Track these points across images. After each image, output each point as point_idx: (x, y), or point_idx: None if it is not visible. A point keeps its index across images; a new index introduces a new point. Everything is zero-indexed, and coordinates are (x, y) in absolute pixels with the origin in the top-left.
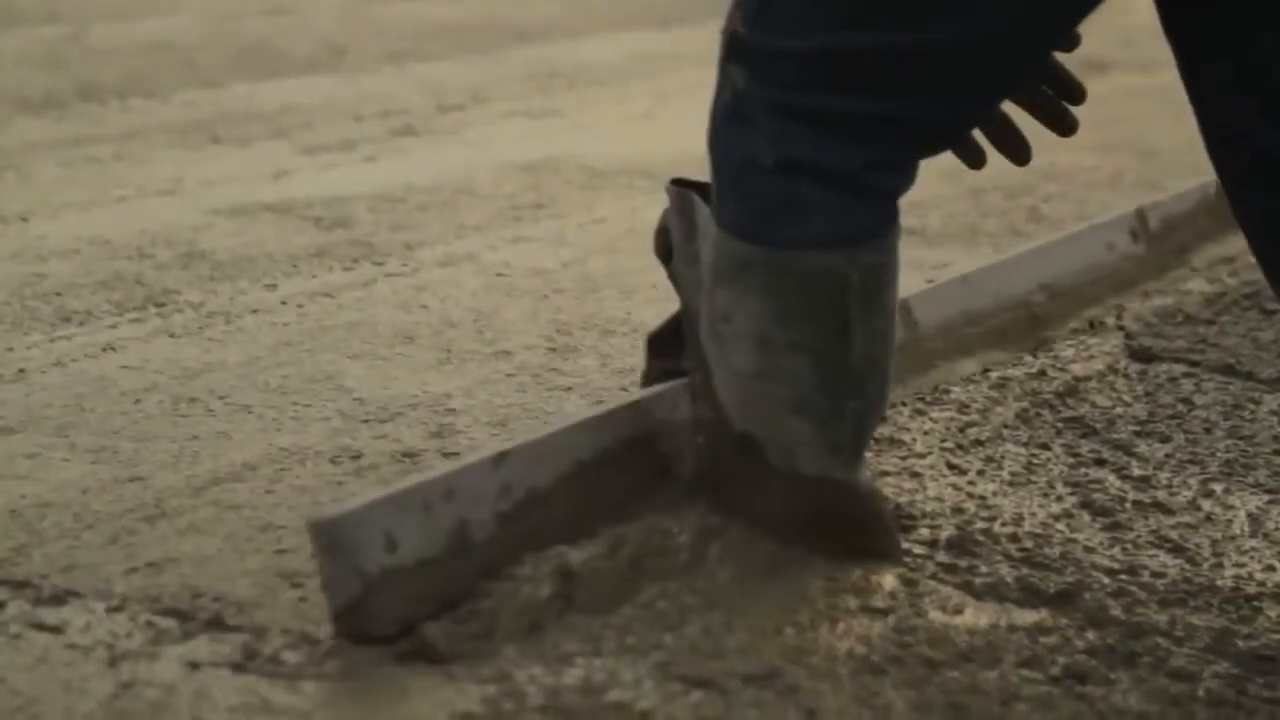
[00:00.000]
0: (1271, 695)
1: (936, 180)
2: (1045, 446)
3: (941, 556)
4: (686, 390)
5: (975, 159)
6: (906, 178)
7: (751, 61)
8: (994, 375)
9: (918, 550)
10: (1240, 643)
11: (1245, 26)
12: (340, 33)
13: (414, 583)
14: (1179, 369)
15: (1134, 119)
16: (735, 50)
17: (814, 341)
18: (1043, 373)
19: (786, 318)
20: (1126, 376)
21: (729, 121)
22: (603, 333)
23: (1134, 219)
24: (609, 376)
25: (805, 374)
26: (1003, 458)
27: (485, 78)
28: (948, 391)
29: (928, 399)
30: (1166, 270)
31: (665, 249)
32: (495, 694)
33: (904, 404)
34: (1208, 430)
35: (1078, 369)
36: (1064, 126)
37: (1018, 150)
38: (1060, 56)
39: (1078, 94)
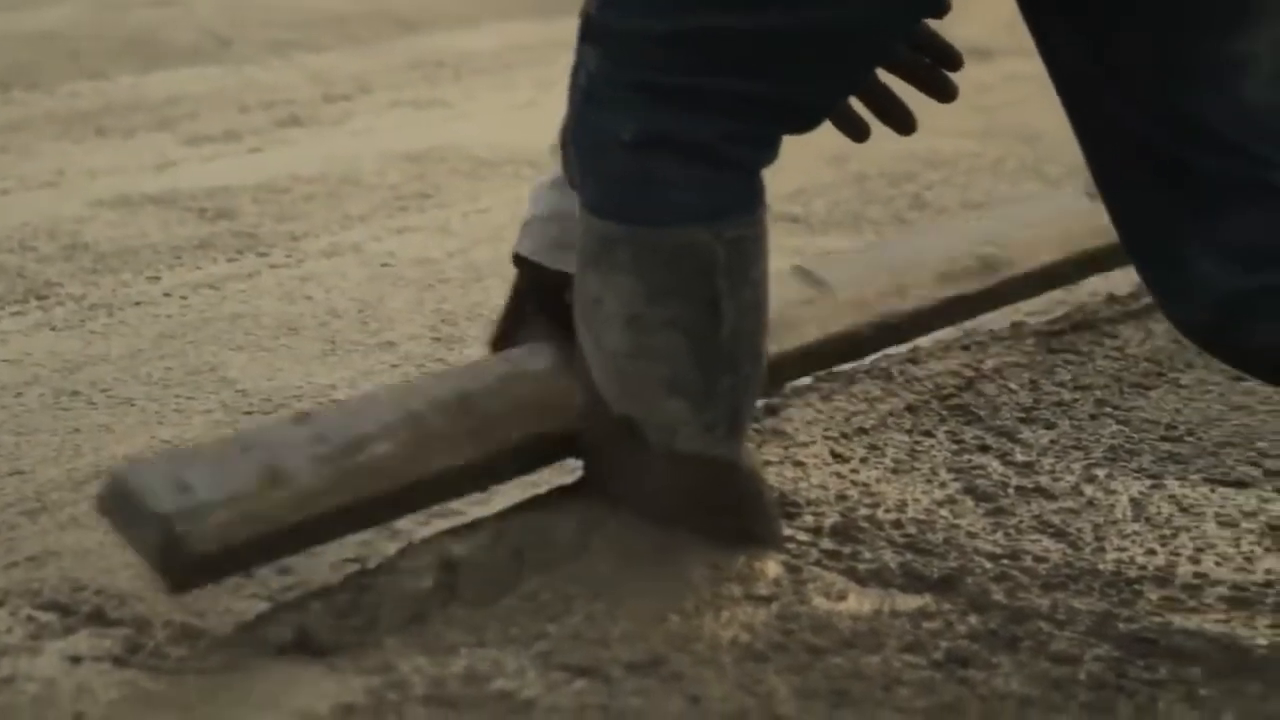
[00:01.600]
0: (1152, 678)
1: (819, 166)
2: (929, 434)
3: (825, 543)
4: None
5: (858, 132)
6: (769, 151)
7: (605, 42)
8: (880, 365)
9: (801, 537)
10: (1121, 626)
11: (1101, 11)
12: (225, 23)
13: (221, 516)
14: (1066, 357)
15: (1017, 105)
16: (589, 31)
17: (684, 318)
18: (929, 360)
19: (655, 296)
20: (1014, 365)
21: (586, 102)
22: (488, 322)
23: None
24: None
25: (678, 352)
26: (886, 445)
27: (370, 67)
28: (832, 381)
29: (813, 389)
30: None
31: None
32: (378, 685)
33: (789, 395)
34: (1093, 417)
35: (964, 356)
36: (943, 94)
37: (901, 120)
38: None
39: (955, 61)
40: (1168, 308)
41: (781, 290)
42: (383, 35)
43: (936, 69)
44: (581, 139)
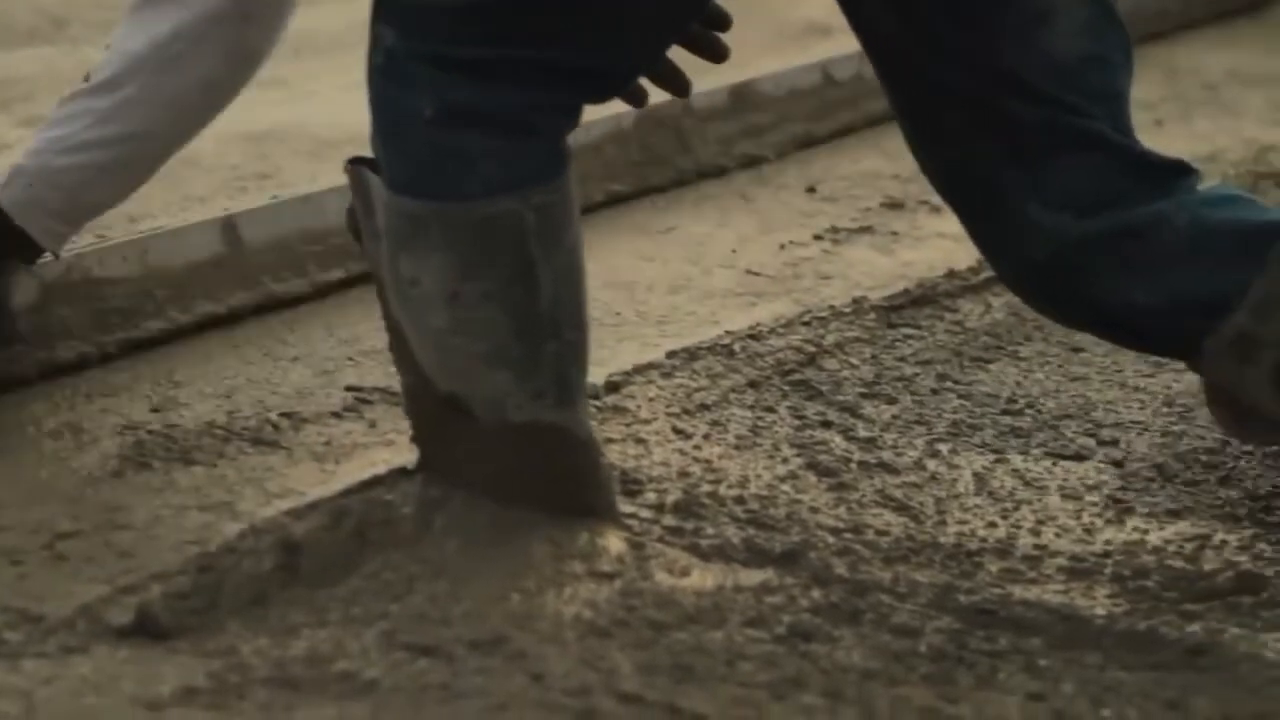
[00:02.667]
0: (992, 648)
1: None
2: (771, 409)
3: (668, 520)
4: None
5: (637, 98)
6: (572, 118)
7: (399, 18)
8: (722, 342)
9: (644, 514)
10: (962, 597)
11: None
12: (60, 3)
13: None
14: (906, 331)
15: None
16: (383, 8)
17: (501, 289)
18: (771, 336)
19: (470, 270)
20: (855, 340)
21: (384, 79)
22: None
23: None
24: (335, 346)
25: (498, 323)
26: (729, 421)
27: None
28: (674, 358)
29: (655, 366)
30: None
31: (355, 227)
32: (220, 668)
33: (630, 372)
34: (934, 392)
35: (806, 332)
36: (715, 55)
37: (676, 85)
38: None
39: (725, 22)
40: (1000, 263)
41: None
42: None
43: (707, 31)
44: (381, 119)
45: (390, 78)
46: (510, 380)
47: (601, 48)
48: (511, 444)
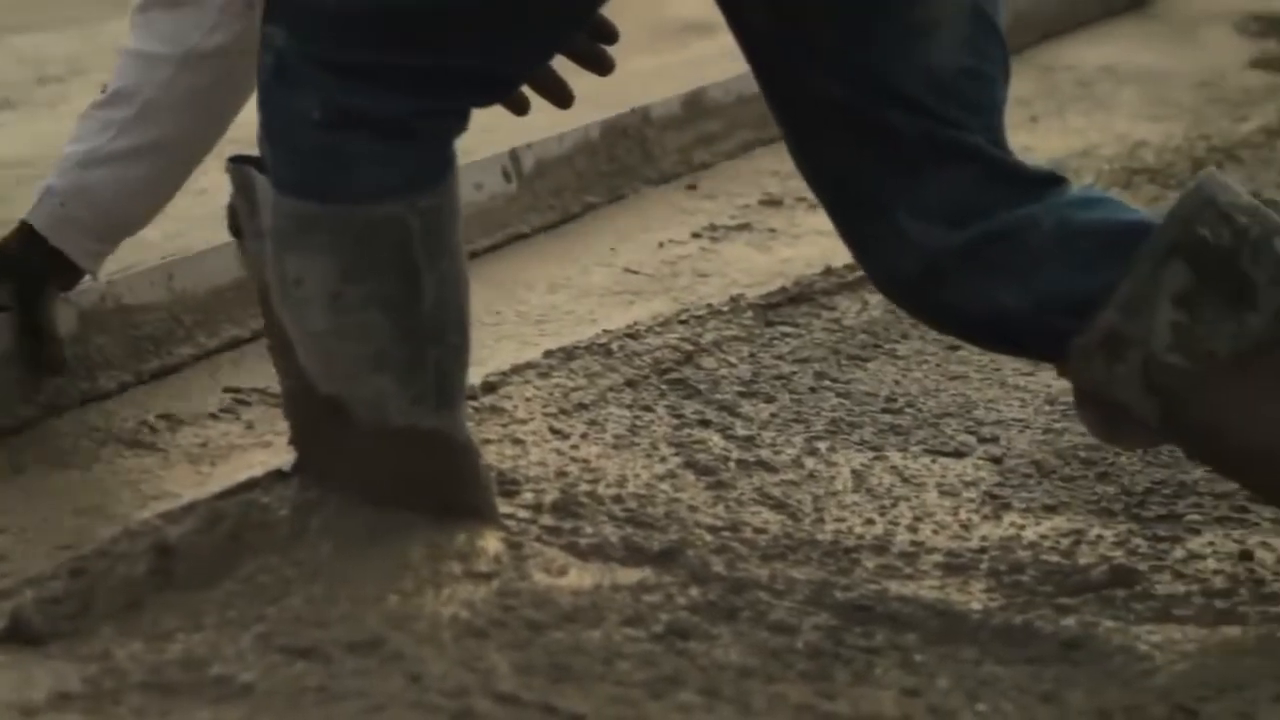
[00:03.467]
0: (868, 644)
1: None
2: (649, 408)
3: (546, 519)
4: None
5: (518, 106)
6: (460, 122)
7: (289, 21)
8: (599, 341)
9: (522, 514)
10: (839, 594)
11: None
12: None
13: None
14: (784, 329)
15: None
16: (274, 10)
17: (384, 293)
18: (648, 335)
19: (355, 273)
20: (733, 339)
21: (274, 80)
22: None
23: (507, 159)
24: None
25: (381, 327)
26: (606, 421)
27: (84, 49)
28: (551, 358)
29: (531, 366)
30: (540, 211)
31: (236, 226)
32: (95, 673)
33: (507, 372)
34: (812, 390)
35: (683, 331)
36: (601, 67)
37: (559, 94)
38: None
39: (611, 35)
40: (873, 269)
41: None
42: (96, 16)
43: (592, 43)
44: (270, 119)
45: (280, 79)
46: (391, 384)
47: (487, 54)
48: (391, 448)
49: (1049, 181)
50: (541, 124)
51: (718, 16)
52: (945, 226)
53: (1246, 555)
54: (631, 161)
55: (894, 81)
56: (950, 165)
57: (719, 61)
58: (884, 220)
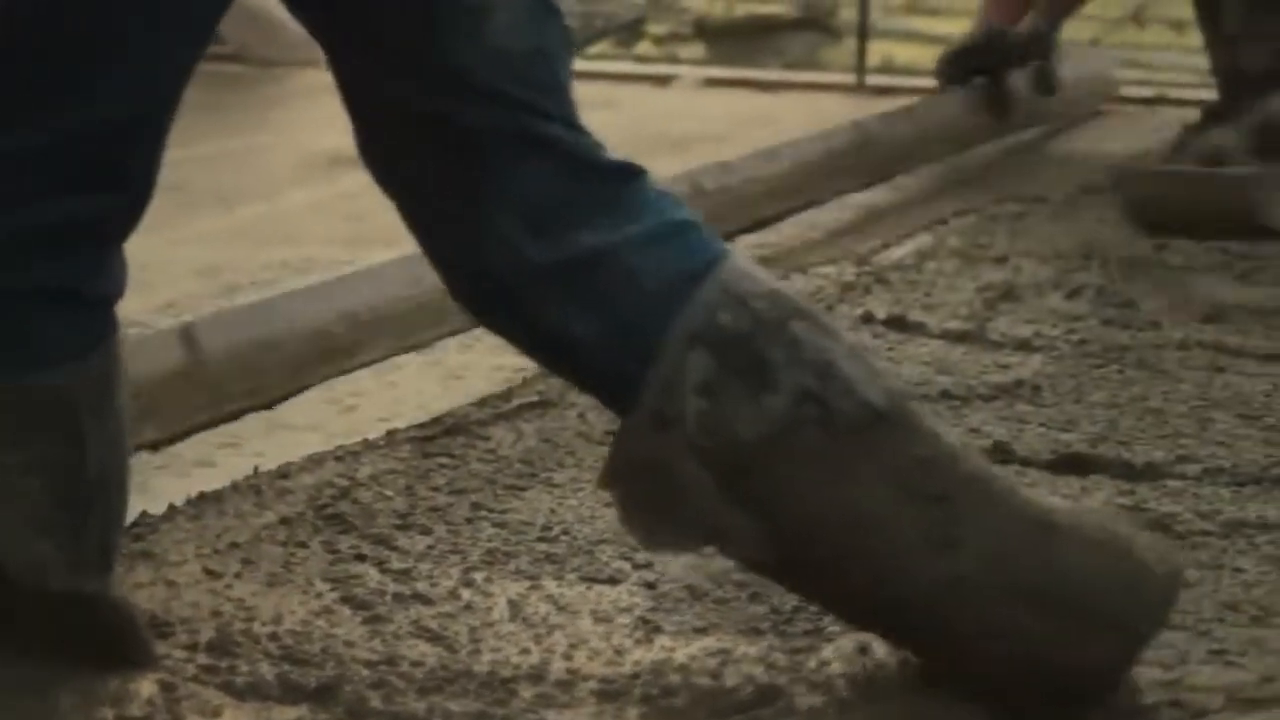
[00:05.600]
0: None
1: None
2: (304, 545)
3: (201, 659)
4: None
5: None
6: (112, 283)
7: None
8: (250, 481)
9: (177, 655)
10: None
11: None
12: None
13: None
14: (440, 461)
15: (390, 209)
16: None
17: (46, 461)
18: (301, 473)
19: (15, 441)
20: (389, 472)
21: None
22: None
23: None
24: None
25: (42, 494)
26: (260, 559)
27: None
28: (202, 502)
29: (181, 511)
30: None
31: None
32: None
33: (157, 519)
34: (469, 520)
35: (339, 467)
36: None
37: None
38: None
39: None
40: (456, 282)
41: None
42: None
43: None
44: None
45: None
46: (53, 549)
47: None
48: (50, 612)
49: (627, 174)
50: None
51: None
52: (529, 232)
53: (864, 650)
54: None
55: (454, 67)
56: (532, 158)
57: (368, 194)
58: (466, 227)
